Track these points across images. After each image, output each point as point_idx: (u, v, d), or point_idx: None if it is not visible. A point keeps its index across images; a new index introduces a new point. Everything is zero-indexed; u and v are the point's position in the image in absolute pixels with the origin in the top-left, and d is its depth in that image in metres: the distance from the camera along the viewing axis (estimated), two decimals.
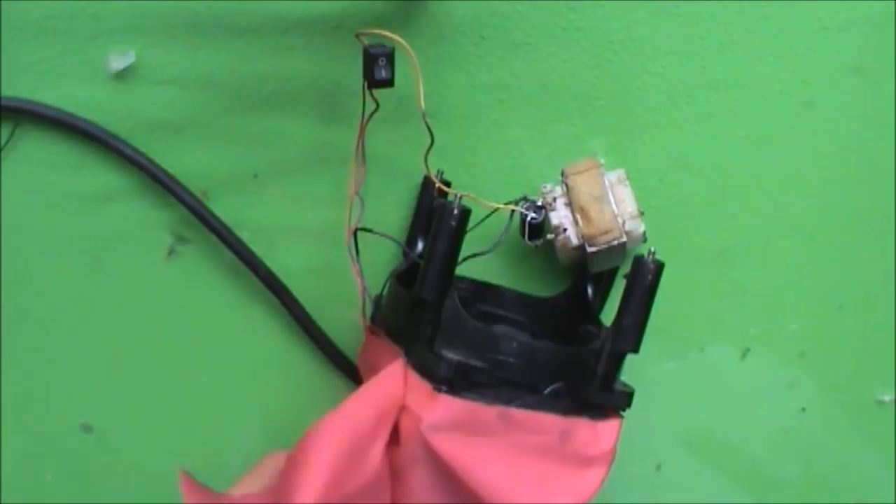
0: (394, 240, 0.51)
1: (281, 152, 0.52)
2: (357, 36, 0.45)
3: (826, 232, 0.55)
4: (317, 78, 0.51)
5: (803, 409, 0.57)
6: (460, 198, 0.44)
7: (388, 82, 0.45)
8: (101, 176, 0.51)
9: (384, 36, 0.45)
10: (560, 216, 0.49)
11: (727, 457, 0.58)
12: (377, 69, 0.44)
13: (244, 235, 0.52)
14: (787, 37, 0.53)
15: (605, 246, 0.49)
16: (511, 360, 0.44)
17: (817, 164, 0.55)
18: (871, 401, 0.58)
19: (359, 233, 0.49)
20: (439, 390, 0.43)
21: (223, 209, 0.51)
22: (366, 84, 0.45)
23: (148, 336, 0.53)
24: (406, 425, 0.44)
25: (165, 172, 0.50)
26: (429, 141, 0.46)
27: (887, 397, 0.57)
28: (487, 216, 0.49)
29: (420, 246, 0.51)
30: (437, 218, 0.44)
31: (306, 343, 0.54)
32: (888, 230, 0.55)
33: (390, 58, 0.45)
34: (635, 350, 0.45)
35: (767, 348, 0.56)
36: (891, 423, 0.57)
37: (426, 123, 0.45)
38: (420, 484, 0.44)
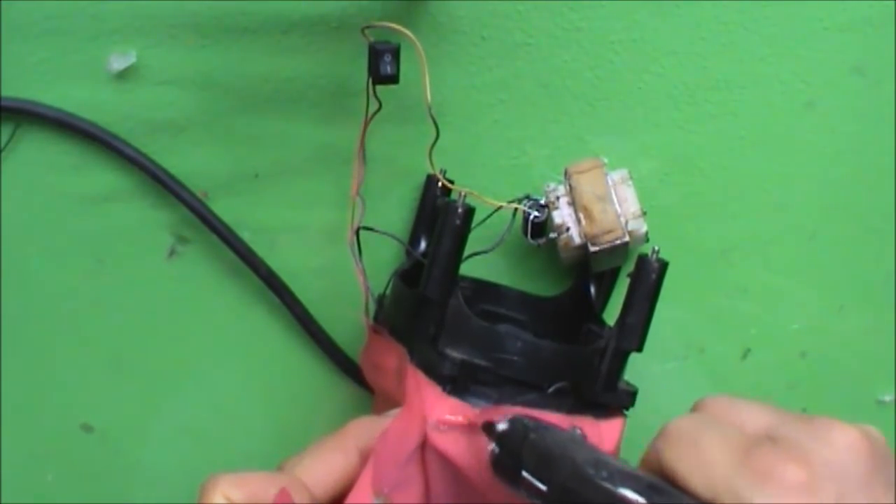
0: (396, 238, 0.51)
1: (282, 152, 0.52)
2: (363, 31, 0.45)
3: (826, 232, 0.55)
4: (318, 78, 0.51)
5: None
6: (465, 196, 0.44)
7: (394, 78, 0.45)
8: (102, 176, 0.50)
9: (392, 29, 0.45)
10: (563, 215, 0.49)
11: None
12: (383, 65, 0.44)
13: (245, 235, 0.52)
14: (788, 37, 0.53)
15: (608, 245, 0.49)
16: (515, 358, 0.44)
17: (818, 164, 0.55)
18: (872, 401, 0.58)
19: (361, 232, 0.49)
20: (443, 389, 0.43)
21: (224, 209, 0.51)
22: (370, 80, 0.45)
23: (149, 336, 0.52)
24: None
25: (166, 173, 0.50)
26: (433, 136, 0.46)
27: (888, 397, 0.58)
28: (490, 215, 0.49)
29: (423, 244, 0.51)
30: (441, 216, 0.44)
31: (308, 343, 0.53)
32: (889, 230, 0.55)
33: (396, 54, 0.45)
34: (639, 349, 0.45)
35: (768, 348, 0.56)
36: (891, 423, 0.57)
37: (432, 116, 0.45)
38: (433, 482, 0.44)
